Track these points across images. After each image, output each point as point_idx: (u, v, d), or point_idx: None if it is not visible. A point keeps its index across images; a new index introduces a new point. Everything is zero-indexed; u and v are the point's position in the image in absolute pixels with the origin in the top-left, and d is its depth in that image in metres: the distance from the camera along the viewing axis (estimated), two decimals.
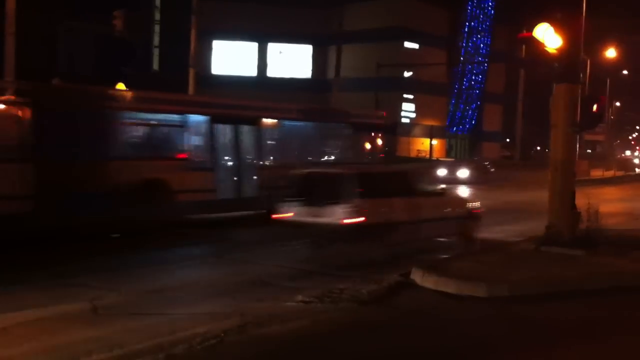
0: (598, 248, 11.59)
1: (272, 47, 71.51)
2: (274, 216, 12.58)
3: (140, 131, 15.15)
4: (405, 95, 69.29)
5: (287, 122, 17.85)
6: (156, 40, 33.32)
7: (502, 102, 79.99)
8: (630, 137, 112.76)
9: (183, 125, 15.48)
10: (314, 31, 68.26)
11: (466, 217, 13.65)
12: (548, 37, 11.51)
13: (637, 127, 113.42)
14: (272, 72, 71.51)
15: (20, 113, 12.63)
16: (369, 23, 66.49)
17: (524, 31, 12.32)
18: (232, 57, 70.20)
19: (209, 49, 66.56)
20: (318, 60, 71.82)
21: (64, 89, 14.37)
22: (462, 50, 75.41)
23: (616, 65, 58.70)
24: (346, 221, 11.19)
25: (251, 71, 71.31)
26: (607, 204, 20.76)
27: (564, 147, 12.10)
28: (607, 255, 11.22)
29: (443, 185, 14.42)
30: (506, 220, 18.17)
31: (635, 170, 54.22)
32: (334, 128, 19.50)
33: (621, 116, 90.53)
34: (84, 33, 30.44)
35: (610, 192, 30.88)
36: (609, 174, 45.73)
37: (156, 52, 33.10)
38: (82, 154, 13.38)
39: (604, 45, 49.23)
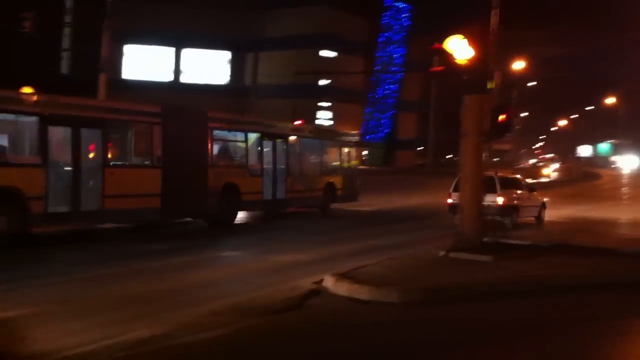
0: (505, 254, 11.99)
1: (189, 53, 70.60)
2: (448, 201, 19.27)
3: (221, 144, 19.07)
4: (322, 103, 69.83)
5: (304, 139, 22.21)
6: (66, 42, 32.31)
7: (417, 111, 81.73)
8: (534, 147, 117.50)
9: (245, 140, 19.48)
10: (232, 37, 67.80)
11: (541, 206, 21.60)
12: (458, 49, 11.86)
13: (541, 137, 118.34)
14: (188, 77, 70.55)
15: (153, 130, 16.33)
16: (288, 30, 66.69)
17: (437, 43, 12.64)
18: (145, 62, 68.85)
19: (120, 53, 65.03)
20: (236, 67, 71.41)
21: (182, 110, 18.32)
22: (378, 60, 76.76)
23: (524, 76, 61.02)
24: (500, 203, 18.66)
25: (166, 76, 70.09)
26: None
27: (473, 156, 12.46)
28: (513, 261, 11.62)
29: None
30: (409, 227, 18.88)
31: (541, 178, 56.41)
32: (334, 144, 24.13)
33: (527, 126, 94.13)
34: None
35: None
36: None
37: (66, 55, 32.09)
38: (188, 162, 16.97)
39: (514, 56, 51.10)
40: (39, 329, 7.40)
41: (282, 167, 20.72)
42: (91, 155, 15.02)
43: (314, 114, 68.14)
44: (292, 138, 21.66)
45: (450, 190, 19.25)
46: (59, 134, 14.28)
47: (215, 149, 18.63)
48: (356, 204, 24.15)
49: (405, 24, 79.30)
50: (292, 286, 9.88)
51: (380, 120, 78.84)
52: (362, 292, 9.19)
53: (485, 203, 17.94)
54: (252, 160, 19.69)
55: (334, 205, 23.25)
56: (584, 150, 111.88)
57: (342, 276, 9.88)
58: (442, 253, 12.08)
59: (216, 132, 18.47)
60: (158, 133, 16.29)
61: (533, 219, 21.03)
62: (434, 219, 21.47)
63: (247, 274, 11.45)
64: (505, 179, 20.28)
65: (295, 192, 21.15)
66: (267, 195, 20.00)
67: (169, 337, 7.12)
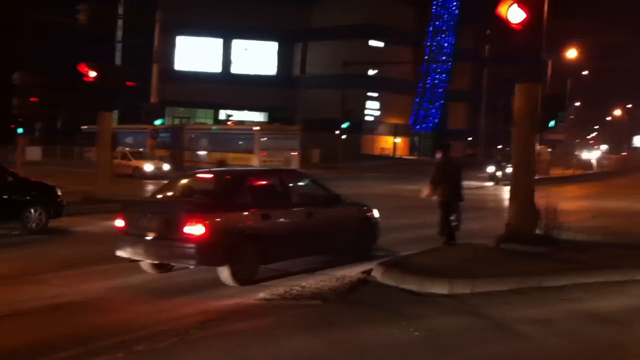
0: (557, 245, 11.79)
1: (237, 44, 71.13)
2: None
3: None
4: (370, 93, 69.56)
5: None
6: (119, 34, 32.90)
7: (467, 101, 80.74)
8: (589, 137, 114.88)
9: None
10: (280, 27, 68.08)
11: None
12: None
13: (596, 127, 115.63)
14: (237, 68, 71.12)
15: None
16: (336, 20, 66.58)
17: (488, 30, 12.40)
18: (196, 53, 69.68)
19: (173, 44, 65.95)
20: (284, 57, 71.69)
21: None
22: (427, 49, 76.00)
23: (577, 65, 59.69)
24: None
25: (216, 67, 70.82)
26: (566, 201, 21.17)
27: (525, 146, 12.27)
28: (567, 252, 11.42)
29: None
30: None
31: (593, 168, 55.17)
32: None
33: (581, 116, 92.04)
34: (47, 26, 30.01)
35: (570, 190, 31.44)
36: (569, 172, 46.50)
37: (119, 46, 32.70)
38: None
39: (565, 46, 50.06)
40: None
41: None
42: None
43: (363, 105, 67.94)
44: None
45: None
46: None
47: None
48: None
49: (454, 13, 78.28)
50: (340, 275, 9.93)
51: (429, 110, 78.13)
52: (411, 283, 9.17)
53: None
54: None
55: None
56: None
57: (391, 266, 9.88)
58: (492, 244, 11.96)
59: None
60: None
61: None
62: (490, 210, 21.23)
63: None
64: None
65: None
66: None
67: (221, 323, 7.26)
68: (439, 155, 12.74)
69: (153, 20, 36.52)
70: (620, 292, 9.28)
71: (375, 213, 12.13)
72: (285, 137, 35.56)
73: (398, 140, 71.30)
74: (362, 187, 27.25)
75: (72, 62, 20.60)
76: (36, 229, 14.19)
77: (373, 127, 69.73)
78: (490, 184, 34.34)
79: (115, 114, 29.68)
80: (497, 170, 35.13)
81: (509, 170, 24.01)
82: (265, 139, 36.36)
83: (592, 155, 65.51)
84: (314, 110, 56.49)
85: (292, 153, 33.77)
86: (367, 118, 69.20)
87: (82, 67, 19.10)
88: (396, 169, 47.64)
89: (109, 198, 18.65)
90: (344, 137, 48.13)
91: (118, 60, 35.42)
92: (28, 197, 14.31)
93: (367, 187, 27.82)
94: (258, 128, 33.89)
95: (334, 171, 40.63)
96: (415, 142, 78.33)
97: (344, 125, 47.37)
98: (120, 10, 32.75)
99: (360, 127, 64.57)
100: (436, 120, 78.74)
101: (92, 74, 19.01)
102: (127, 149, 34.48)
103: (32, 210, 14.25)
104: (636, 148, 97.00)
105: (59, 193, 15.10)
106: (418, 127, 77.24)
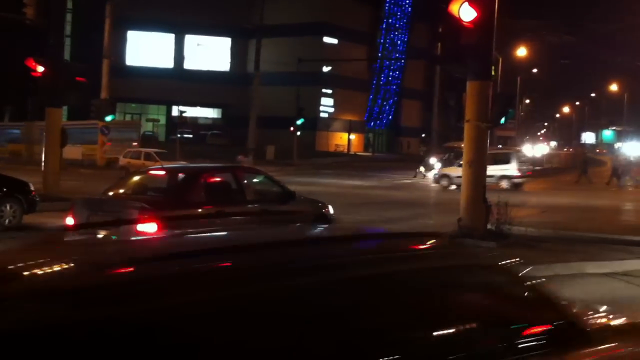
0: (509, 240, 11.99)
1: (190, 39, 70.39)
2: None
3: None
4: (324, 90, 69.60)
5: None
6: (68, 29, 32.21)
7: (420, 99, 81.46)
8: (539, 133, 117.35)
9: None
10: (233, 23, 67.55)
11: None
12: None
13: (545, 124, 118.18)
14: (189, 64, 70.38)
15: None
16: (290, 17, 66.36)
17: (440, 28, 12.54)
18: (148, 48, 68.71)
19: (124, 39, 64.91)
20: (237, 54, 71.17)
21: None
22: (380, 47, 76.43)
23: (527, 63, 60.90)
24: None
25: (168, 62, 69.97)
26: (516, 197, 21.55)
27: (476, 142, 12.43)
28: (517, 247, 11.61)
29: None
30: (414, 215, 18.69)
31: (542, 164, 56.27)
32: None
33: (531, 113, 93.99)
34: None
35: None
36: None
37: (68, 41, 32.01)
38: None
39: (516, 44, 51.03)
40: None
41: None
42: None
43: (317, 101, 68.01)
44: None
45: None
46: None
47: None
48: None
49: (407, 10, 78.90)
50: None
51: (383, 107, 78.64)
52: None
53: None
54: None
55: None
56: (588, 137, 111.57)
57: None
58: None
59: None
60: None
61: None
62: (440, 206, 21.48)
63: None
64: None
65: None
66: None
67: None
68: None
69: (103, 14, 35.91)
70: (569, 286, 9.47)
71: (331, 209, 12.14)
72: (126, 130, 42.99)
73: (353, 137, 71.58)
74: (318, 184, 27.29)
75: (19, 59, 20.11)
76: (10, 225, 13.78)
77: (328, 124, 69.87)
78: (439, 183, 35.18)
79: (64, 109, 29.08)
80: (443, 166, 36.16)
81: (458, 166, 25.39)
82: (109, 132, 42.07)
83: (538, 152, 66.68)
84: (269, 107, 56.26)
85: (133, 143, 39.98)
86: (321, 115, 69.31)
87: (30, 62, 18.65)
88: (351, 166, 47.85)
89: (59, 196, 18.26)
90: (298, 133, 48.09)
91: (67, 56, 34.85)
92: (1, 193, 13.89)
93: (323, 184, 27.86)
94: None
95: (289, 168, 40.57)
96: (369, 139, 78.74)
97: (299, 122, 47.34)
98: (69, 5, 32.08)
99: (315, 124, 64.66)
100: (390, 117, 79.32)
101: (40, 69, 18.58)
102: (152, 149, 33.79)
103: (6, 206, 13.86)
104: (584, 144, 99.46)
105: (32, 188, 14.75)
106: (372, 124, 77.68)
